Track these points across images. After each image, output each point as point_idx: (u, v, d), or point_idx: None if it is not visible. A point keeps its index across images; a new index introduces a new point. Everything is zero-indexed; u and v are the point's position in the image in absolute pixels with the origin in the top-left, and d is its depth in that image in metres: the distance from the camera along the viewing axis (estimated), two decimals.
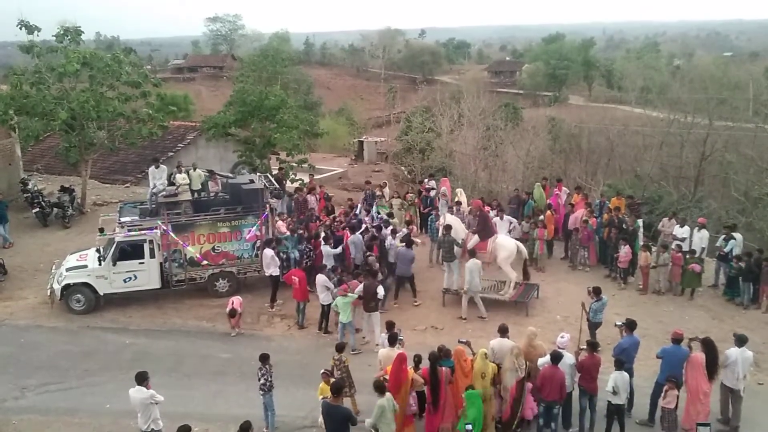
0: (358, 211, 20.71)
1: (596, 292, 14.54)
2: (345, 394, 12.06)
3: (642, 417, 12.27)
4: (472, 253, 17.10)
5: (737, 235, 18.36)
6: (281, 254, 17.75)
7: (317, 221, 20.11)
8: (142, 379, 10.61)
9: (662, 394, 11.55)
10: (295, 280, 16.19)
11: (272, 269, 17.13)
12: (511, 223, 20.04)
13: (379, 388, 10.56)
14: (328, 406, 10.37)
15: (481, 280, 16.84)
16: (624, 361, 11.77)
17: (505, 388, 11.94)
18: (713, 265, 18.88)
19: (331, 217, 20.69)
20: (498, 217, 19.80)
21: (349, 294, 15.02)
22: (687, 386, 11.79)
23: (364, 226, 19.20)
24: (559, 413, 11.69)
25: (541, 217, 20.25)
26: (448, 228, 17.65)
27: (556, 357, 11.53)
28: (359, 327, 15.70)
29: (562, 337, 12.23)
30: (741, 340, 12.28)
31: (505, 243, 17.50)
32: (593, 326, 14.51)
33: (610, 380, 11.46)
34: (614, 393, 11.41)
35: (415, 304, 17.72)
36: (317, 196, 22.40)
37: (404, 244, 17.64)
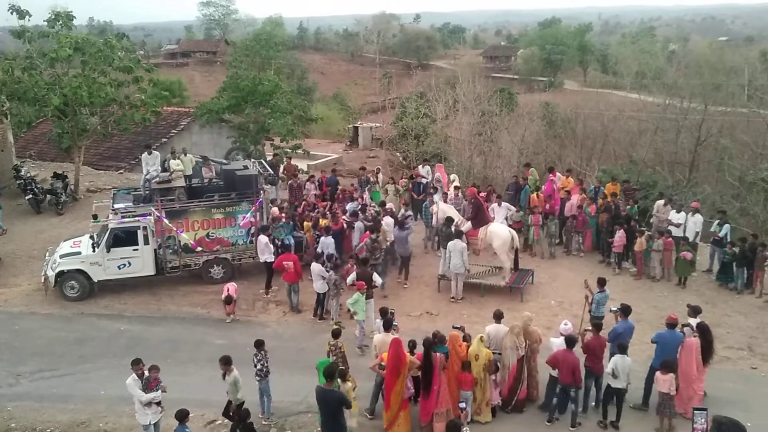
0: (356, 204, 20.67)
1: (600, 283, 14.29)
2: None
3: (636, 401, 12.34)
4: (459, 234, 17.03)
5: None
6: (276, 241, 17.72)
7: (314, 209, 20.07)
8: (132, 364, 10.69)
9: (655, 380, 11.61)
10: (289, 265, 16.18)
11: (266, 256, 17.09)
12: (509, 210, 20.04)
13: (226, 361, 11.13)
14: (322, 391, 10.38)
15: (466, 263, 16.77)
16: (626, 345, 11.85)
17: (506, 366, 12.02)
18: (707, 250, 18.93)
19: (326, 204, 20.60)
20: (496, 204, 19.80)
21: (358, 297, 14.51)
22: (680, 371, 11.85)
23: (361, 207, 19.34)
24: (577, 396, 11.74)
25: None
26: (449, 221, 17.63)
27: (571, 340, 11.57)
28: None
29: (565, 324, 12.18)
30: (695, 311, 12.62)
31: (499, 231, 17.48)
32: (596, 321, 13.31)
33: (611, 363, 11.57)
34: (614, 376, 11.49)
35: (404, 286, 17.90)
36: (316, 182, 22.36)
37: (396, 225, 17.90)
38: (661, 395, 11.53)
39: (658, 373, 11.50)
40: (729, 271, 17.60)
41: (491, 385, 11.90)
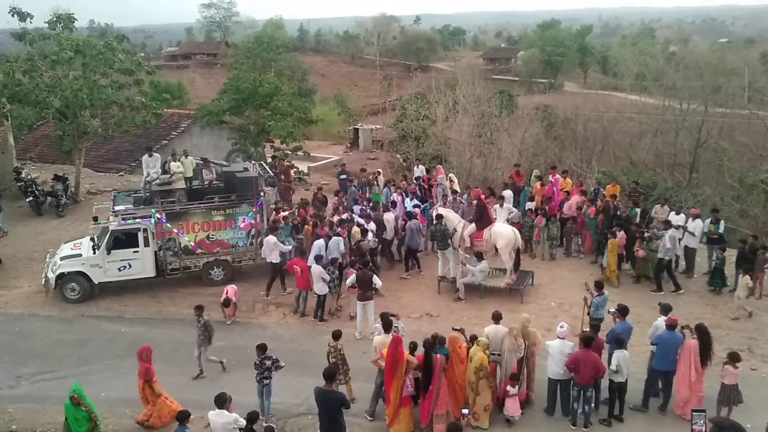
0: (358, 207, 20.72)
1: (598, 286, 14.24)
2: (340, 381, 12.14)
3: (636, 402, 12.35)
4: (479, 256, 17.12)
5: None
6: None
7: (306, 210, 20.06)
8: (222, 401, 10.35)
9: (724, 372, 11.70)
10: (297, 270, 16.20)
11: (273, 256, 17.06)
12: (510, 211, 20.06)
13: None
14: (321, 392, 10.42)
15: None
16: (623, 340, 11.90)
17: (504, 368, 12.01)
18: (705, 252, 18.89)
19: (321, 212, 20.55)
20: (498, 205, 19.82)
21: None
22: (679, 372, 11.88)
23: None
24: (592, 396, 11.75)
25: (531, 205, 20.37)
26: (439, 217, 17.68)
27: (588, 339, 11.55)
28: (353, 315, 15.76)
29: (561, 327, 12.16)
30: (666, 309, 12.67)
31: (503, 231, 17.47)
32: (594, 323, 13.37)
33: (613, 359, 11.63)
34: (616, 371, 11.58)
35: (420, 273, 18.77)
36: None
37: (410, 217, 18.69)
38: (728, 387, 11.62)
39: (728, 367, 11.59)
40: (719, 276, 17.57)
41: (510, 398, 11.86)
